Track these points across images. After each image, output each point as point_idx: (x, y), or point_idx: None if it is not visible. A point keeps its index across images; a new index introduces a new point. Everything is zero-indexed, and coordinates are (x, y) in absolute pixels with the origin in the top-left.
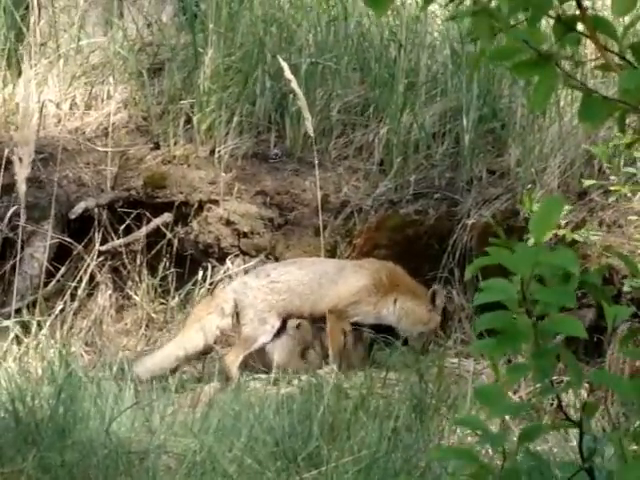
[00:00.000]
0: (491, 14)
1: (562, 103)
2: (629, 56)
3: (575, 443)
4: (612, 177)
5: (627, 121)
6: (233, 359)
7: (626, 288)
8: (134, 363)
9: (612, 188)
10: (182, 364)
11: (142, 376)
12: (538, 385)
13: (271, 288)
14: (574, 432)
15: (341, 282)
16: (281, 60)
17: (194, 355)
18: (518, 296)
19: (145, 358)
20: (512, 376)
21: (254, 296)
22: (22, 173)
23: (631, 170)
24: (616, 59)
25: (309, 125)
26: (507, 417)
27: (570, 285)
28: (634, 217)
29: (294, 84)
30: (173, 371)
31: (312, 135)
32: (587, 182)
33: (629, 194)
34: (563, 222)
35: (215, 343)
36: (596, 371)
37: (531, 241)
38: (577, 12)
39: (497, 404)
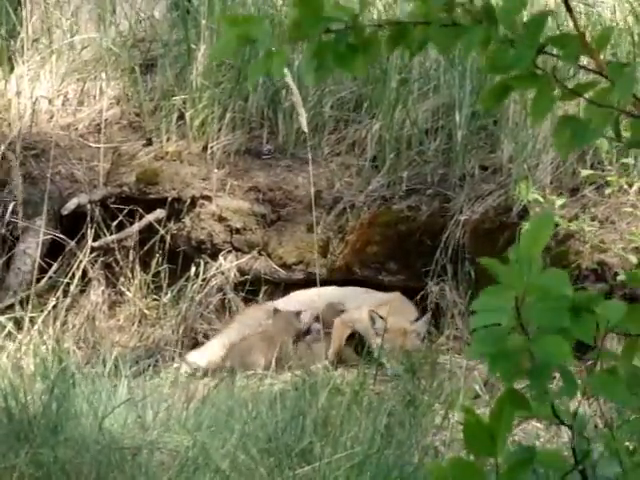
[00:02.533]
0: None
1: None
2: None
3: (567, 439)
4: (609, 167)
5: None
6: None
7: (621, 277)
8: (186, 356)
9: (609, 179)
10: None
11: (201, 365)
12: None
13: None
14: (566, 431)
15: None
16: None
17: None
18: (513, 313)
19: (198, 350)
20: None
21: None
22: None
23: (629, 161)
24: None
25: (303, 121)
26: None
27: (563, 304)
28: (629, 209)
29: (289, 79)
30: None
31: (306, 131)
32: (585, 172)
33: (625, 186)
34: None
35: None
36: (591, 379)
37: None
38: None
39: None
